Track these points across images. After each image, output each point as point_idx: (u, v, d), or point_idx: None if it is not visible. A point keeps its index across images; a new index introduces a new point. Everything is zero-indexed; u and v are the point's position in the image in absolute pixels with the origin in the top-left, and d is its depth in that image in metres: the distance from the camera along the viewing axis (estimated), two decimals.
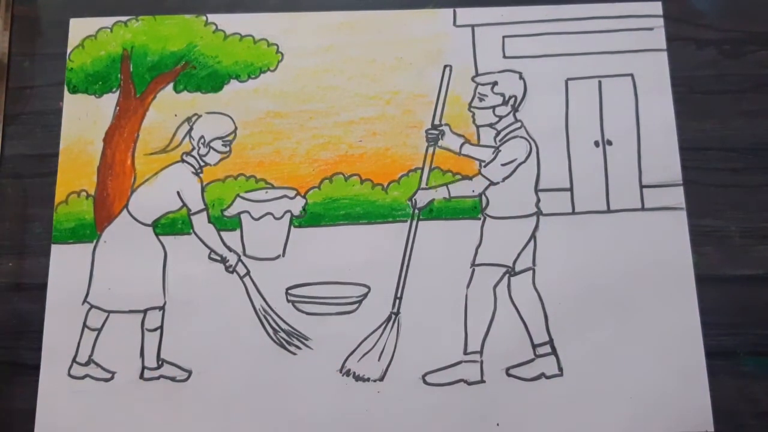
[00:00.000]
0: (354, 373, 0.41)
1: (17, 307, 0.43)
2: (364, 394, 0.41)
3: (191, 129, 0.45)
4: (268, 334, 0.42)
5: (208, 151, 0.45)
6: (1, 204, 0.45)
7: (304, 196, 0.44)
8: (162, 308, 0.42)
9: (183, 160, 0.45)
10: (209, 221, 0.44)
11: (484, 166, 0.44)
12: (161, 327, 0.42)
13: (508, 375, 0.41)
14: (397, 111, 0.45)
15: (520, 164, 0.44)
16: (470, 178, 0.44)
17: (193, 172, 0.44)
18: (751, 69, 0.46)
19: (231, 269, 0.43)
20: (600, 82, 0.45)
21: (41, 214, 0.44)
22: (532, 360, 0.41)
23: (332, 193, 0.44)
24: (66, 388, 0.41)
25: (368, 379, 0.41)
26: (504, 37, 0.46)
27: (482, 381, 0.41)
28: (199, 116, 0.45)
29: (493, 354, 0.41)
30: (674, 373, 0.41)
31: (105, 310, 0.43)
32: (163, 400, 0.40)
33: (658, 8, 0.46)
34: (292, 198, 0.44)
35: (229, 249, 0.43)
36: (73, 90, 0.46)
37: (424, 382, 0.41)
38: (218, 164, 0.45)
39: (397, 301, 0.42)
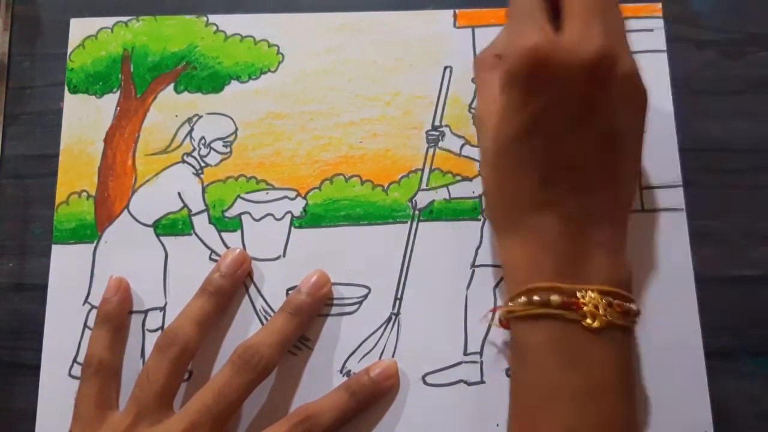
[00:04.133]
0: (354, 373, 0.41)
1: (18, 307, 0.43)
2: None
3: (192, 130, 0.45)
4: None
5: (209, 152, 0.45)
6: (1, 204, 0.45)
7: (304, 197, 0.44)
8: (163, 309, 0.43)
9: (184, 161, 0.45)
10: (210, 222, 0.44)
11: None
12: (161, 328, 0.42)
13: (509, 376, 0.41)
14: (398, 112, 0.45)
15: None
16: (470, 180, 0.44)
17: (193, 173, 0.44)
18: (751, 69, 0.46)
19: None
20: None
21: (42, 214, 0.44)
22: None
23: (333, 194, 0.44)
24: (66, 388, 0.41)
25: None
26: None
27: (482, 381, 0.41)
28: (200, 117, 0.45)
29: (493, 354, 0.41)
30: (673, 373, 0.41)
31: None
32: None
33: (657, 9, 0.46)
34: (292, 199, 0.44)
35: None
36: (74, 90, 0.46)
37: (424, 382, 0.41)
38: (219, 165, 0.45)
39: (398, 301, 0.42)
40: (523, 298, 0.34)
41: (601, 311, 0.33)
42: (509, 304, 0.35)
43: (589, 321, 0.33)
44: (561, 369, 0.33)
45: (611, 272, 0.35)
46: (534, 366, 0.34)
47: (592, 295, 0.33)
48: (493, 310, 0.41)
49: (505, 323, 0.36)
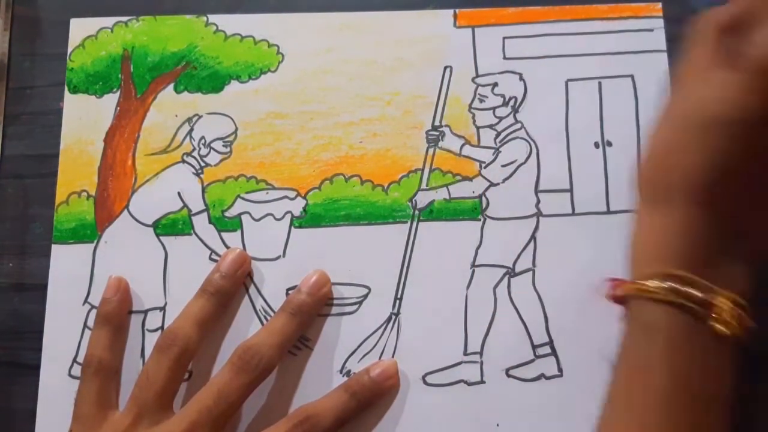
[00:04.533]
0: (354, 373, 0.41)
1: (17, 307, 0.43)
2: None
3: (192, 129, 0.45)
4: None
5: (209, 152, 0.45)
6: (1, 204, 0.45)
7: (304, 197, 0.44)
8: (163, 309, 0.43)
9: (183, 161, 0.45)
10: (210, 222, 0.44)
11: (485, 167, 0.44)
12: (161, 328, 0.42)
13: (508, 375, 0.41)
14: (398, 112, 0.45)
15: (520, 165, 0.44)
16: (470, 179, 0.44)
17: (193, 173, 0.45)
18: None
19: None
20: (600, 84, 0.45)
21: (42, 214, 0.44)
22: (532, 360, 0.41)
23: (333, 194, 0.44)
24: (66, 388, 0.41)
25: None
26: (504, 38, 0.46)
27: (482, 381, 0.41)
28: (200, 117, 0.45)
29: (493, 354, 0.41)
30: None
31: None
32: None
33: (658, 9, 0.46)
34: (292, 199, 0.44)
35: None
36: (74, 90, 0.46)
37: (424, 382, 0.41)
38: (219, 165, 0.45)
39: (397, 301, 0.42)
40: (656, 281, 0.33)
41: (732, 321, 0.32)
42: (639, 281, 0.33)
43: (719, 326, 0.32)
44: (682, 359, 0.32)
45: (744, 284, 0.34)
46: (655, 348, 0.33)
47: (729, 303, 0.32)
48: (611, 281, 0.39)
49: (620, 298, 0.35)
